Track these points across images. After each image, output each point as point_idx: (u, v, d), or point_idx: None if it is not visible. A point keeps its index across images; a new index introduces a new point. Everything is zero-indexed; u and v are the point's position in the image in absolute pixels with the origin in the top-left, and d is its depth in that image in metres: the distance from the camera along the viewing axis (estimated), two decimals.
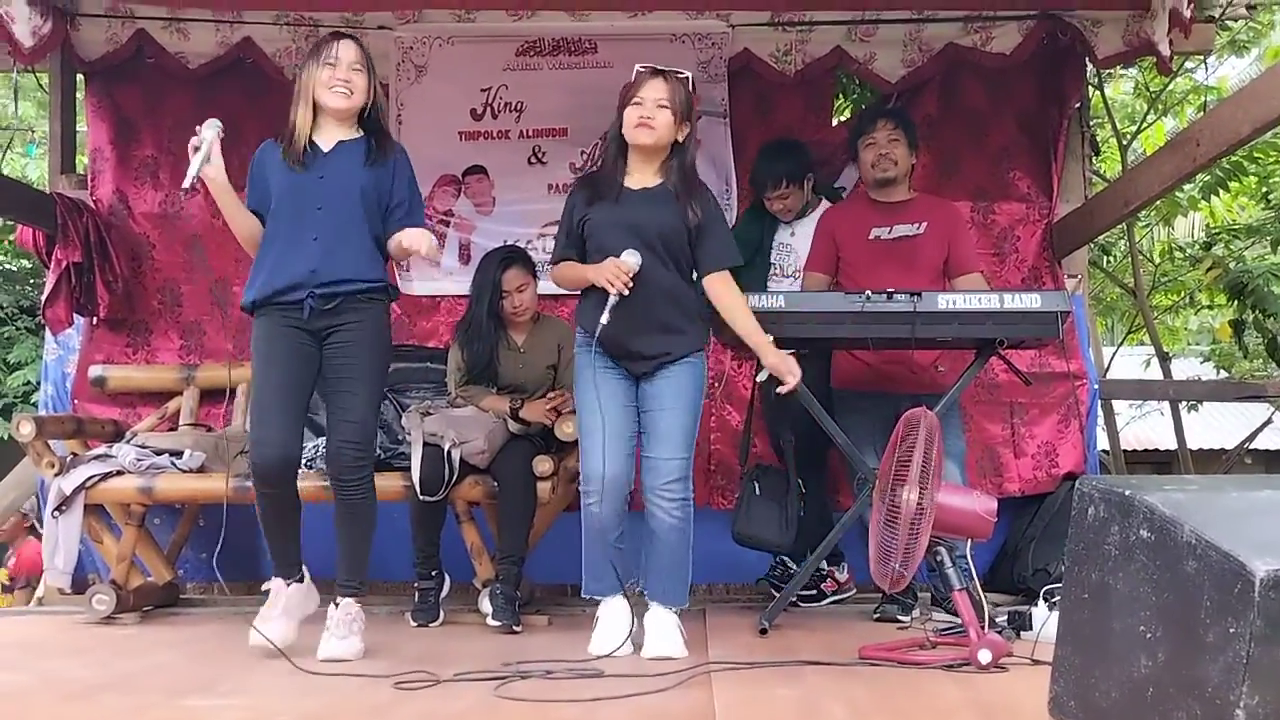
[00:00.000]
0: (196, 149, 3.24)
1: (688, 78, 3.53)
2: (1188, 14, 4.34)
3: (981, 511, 3.23)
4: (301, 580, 3.46)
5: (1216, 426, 12.25)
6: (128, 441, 4.44)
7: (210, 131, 3.27)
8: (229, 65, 5.08)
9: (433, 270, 5.09)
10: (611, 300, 3.35)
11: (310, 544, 3.51)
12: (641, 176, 3.52)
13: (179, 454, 4.32)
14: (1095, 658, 2.17)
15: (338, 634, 3.27)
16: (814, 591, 4.50)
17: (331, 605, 3.35)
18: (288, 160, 3.36)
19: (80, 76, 5.31)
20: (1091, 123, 5.57)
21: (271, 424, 3.30)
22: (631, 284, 3.35)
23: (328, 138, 3.42)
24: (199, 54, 5.05)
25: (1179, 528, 2.02)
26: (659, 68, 3.51)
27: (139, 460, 4.24)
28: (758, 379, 3.99)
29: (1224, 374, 9.25)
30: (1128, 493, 2.14)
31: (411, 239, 3.31)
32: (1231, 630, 1.91)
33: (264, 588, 3.44)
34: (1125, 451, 8.11)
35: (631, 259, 3.37)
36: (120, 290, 4.97)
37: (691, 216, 3.45)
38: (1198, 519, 2.02)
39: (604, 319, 3.34)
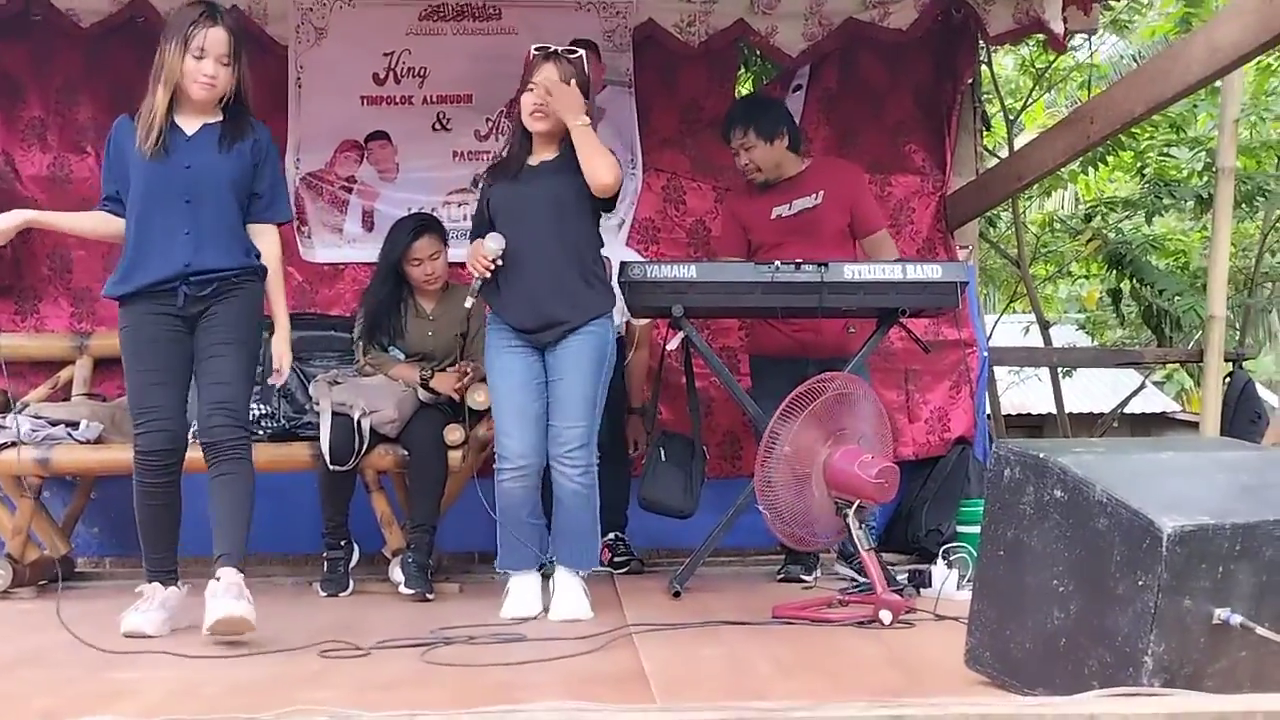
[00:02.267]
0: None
1: (581, 55, 3.60)
2: None
3: (866, 476, 3.34)
4: (179, 588, 3.30)
5: (1087, 391, 12.78)
6: (19, 412, 4.30)
7: None
8: (120, 24, 4.91)
9: (335, 237, 5.03)
10: (474, 284, 3.51)
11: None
12: (542, 154, 3.61)
13: (75, 424, 4.20)
14: (1010, 612, 2.29)
15: (229, 595, 2.98)
16: (626, 558, 4.58)
17: (211, 581, 3.06)
18: (145, 148, 3.20)
19: None
20: (982, 98, 5.73)
21: (156, 406, 3.21)
22: (495, 266, 3.48)
23: (191, 121, 3.27)
24: (91, 11, 4.86)
25: (1091, 488, 2.15)
26: (549, 49, 3.58)
27: (34, 431, 4.11)
28: (667, 347, 4.08)
29: (1095, 341, 9.67)
30: (1042, 455, 2.26)
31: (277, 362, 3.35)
32: (1140, 583, 2.04)
33: (136, 590, 3.25)
34: (1003, 416, 8.40)
35: (492, 243, 3.48)
36: (9, 256, 4.78)
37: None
38: (1108, 479, 2.15)
39: (467, 303, 3.58)
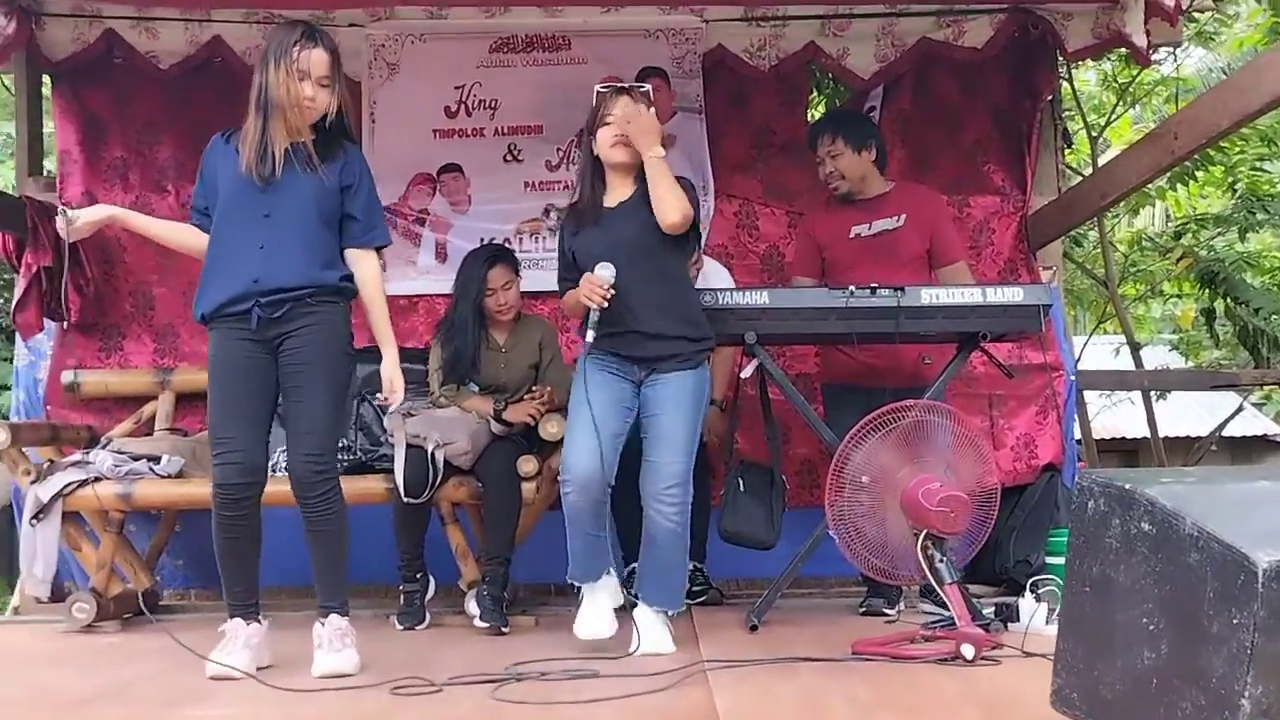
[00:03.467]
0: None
1: (649, 90, 3.60)
2: (1171, 2, 4.33)
3: (928, 505, 3.24)
4: (260, 623, 3.24)
5: (1182, 415, 12.41)
6: (103, 447, 4.38)
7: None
8: (198, 65, 5.01)
9: (408, 269, 5.06)
10: (592, 316, 3.39)
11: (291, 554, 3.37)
12: (618, 193, 3.55)
13: (156, 459, 4.27)
14: (1098, 651, 2.18)
15: (332, 648, 3.09)
16: (704, 588, 4.50)
17: (317, 624, 3.16)
18: (240, 165, 3.17)
19: (46, 77, 5.23)
20: (1063, 115, 5.60)
21: (232, 437, 3.14)
22: (611, 295, 3.37)
23: (281, 140, 3.21)
24: (170, 53, 4.98)
25: (1180, 520, 2.03)
26: (621, 85, 3.57)
27: (117, 466, 4.18)
28: (741, 375, 4.02)
29: (1190, 362, 9.38)
30: (1128, 486, 2.15)
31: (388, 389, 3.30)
32: (1235, 621, 1.92)
33: (220, 630, 3.20)
34: (1095, 441, 8.18)
35: (604, 272, 3.39)
36: (91, 294, 4.90)
37: None
38: (1198, 511, 2.03)
39: (588, 337, 3.40)
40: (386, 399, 3.30)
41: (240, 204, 3.18)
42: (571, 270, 3.57)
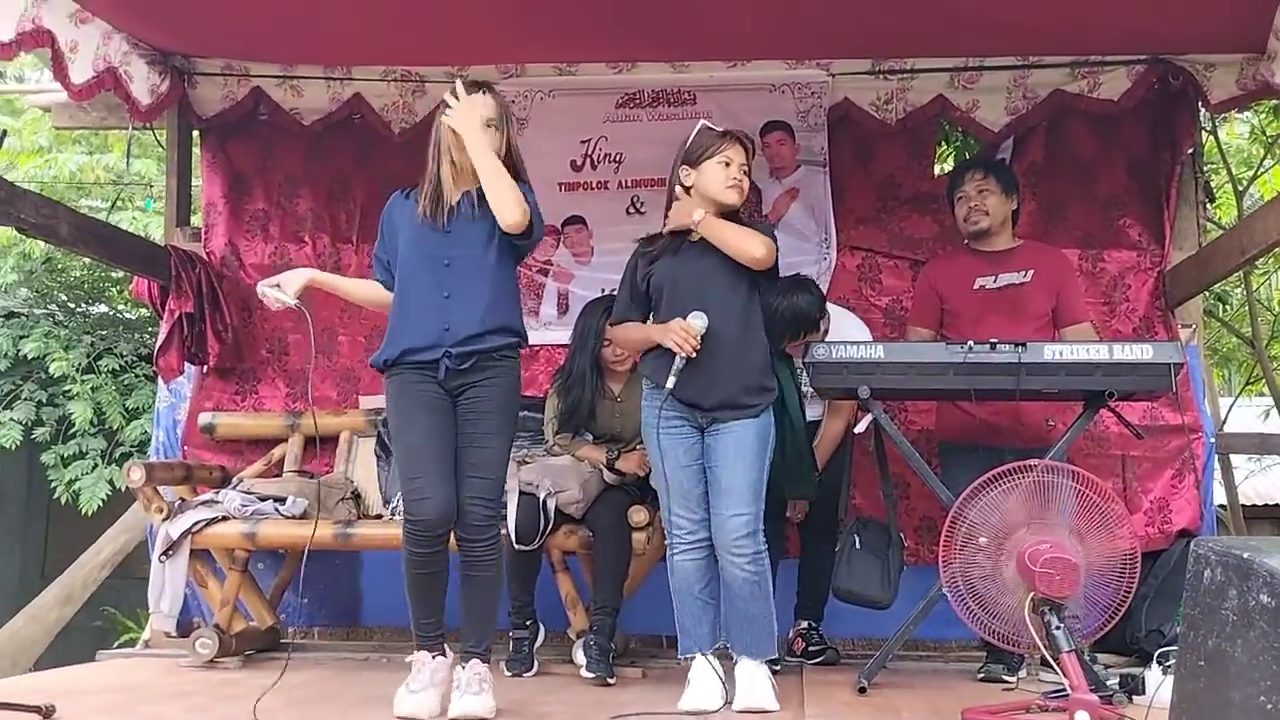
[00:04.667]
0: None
1: (754, 142, 3.68)
2: None
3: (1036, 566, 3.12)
4: (445, 655, 3.31)
5: None
6: (234, 488, 4.54)
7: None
8: (339, 121, 5.21)
9: (530, 319, 5.12)
10: (678, 364, 3.39)
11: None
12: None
13: (282, 500, 4.40)
14: None
15: (470, 690, 3.16)
16: (820, 648, 4.39)
17: (459, 667, 3.24)
18: (423, 216, 3.30)
19: (195, 133, 5.49)
20: (1206, 168, 5.40)
21: (426, 475, 3.20)
22: (700, 345, 3.37)
23: (456, 189, 3.35)
24: (313, 109, 5.20)
25: None
26: (736, 133, 3.58)
27: (244, 506, 4.33)
28: (855, 430, 3.95)
29: None
30: (1246, 555, 2.03)
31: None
32: None
33: (407, 660, 3.31)
34: (1244, 506, 7.78)
35: (698, 322, 3.40)
36: (230, 339, 5.11)
37: None
38: None
39: (669, 383, 3.39)
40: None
41: (422, 251, 3.31)
42: (638, 301, 3.60)
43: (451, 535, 3.26)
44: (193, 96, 5.23)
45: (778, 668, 3.64)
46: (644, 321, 3.59)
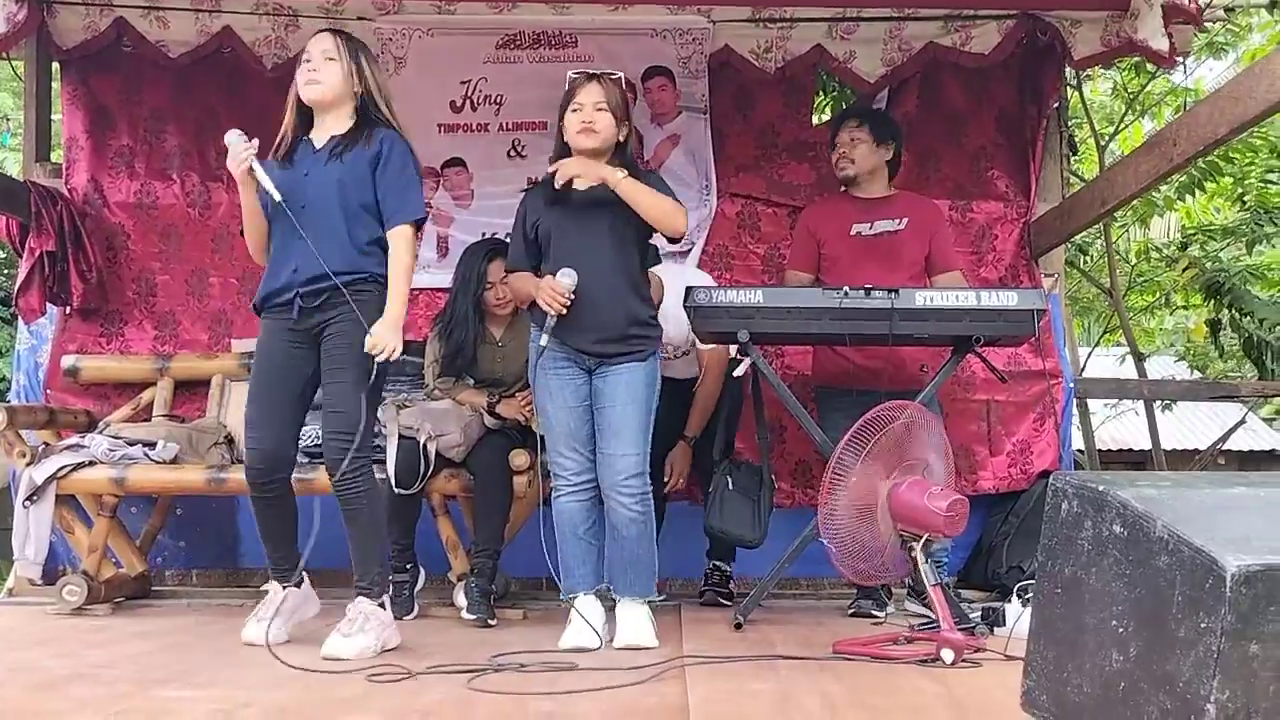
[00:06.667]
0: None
1: (621, 78, 3.63)
2: (1191, 5, 4.29)
3: (935, 508, 3.22)
4: (299, 585, 3.44)
5: (1190, 427, 12.35)
6: (100, 432, 4.41)
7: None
8: (208, 55, 5.04)
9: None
10: (549, 322, 3.42)
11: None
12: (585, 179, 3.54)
13: (152, 445, 4.29)
14: (1067, 653, 2.17)
15: (342, 630, 3.19)
16: (726, 591, 4.47)
17: (349, 603, 3.29)
18: (274, 159, 3.37)
19: (56, 65, 5.25)
20: (1070, 123, 5.57)
21: (258, 423, 3.33)
22: (570, 301, 3.40)
23: (321, 134, 3.39)
24: (180, 42, 5.00)
25: (1152, 523, 2.02)
26: (591, 71, 3.60)
27: (111, 451, 4.21)
28: (734, 373, 4.02)
29: (1198, 374, 9.33)
30: (1101, 488, 2.14)
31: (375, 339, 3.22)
32: (1203, 625, 1.91)
33: (262, 588, 3.40)
34: (1100, 451, 8.15)
35: (566, 280, 3.41)
36: (94, 280, 4.92)
37: None
38: (1170, 515, 2.02)
39: (543, 341, 3.44)
40: (371, 348, 3.23)
41: (284, 195, 3.29)
42: (529, 250, 3.60)
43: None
44: (52, 26, 4.98)
45: (656, 605, 3.69)
46: (536, 269, 3.59)
